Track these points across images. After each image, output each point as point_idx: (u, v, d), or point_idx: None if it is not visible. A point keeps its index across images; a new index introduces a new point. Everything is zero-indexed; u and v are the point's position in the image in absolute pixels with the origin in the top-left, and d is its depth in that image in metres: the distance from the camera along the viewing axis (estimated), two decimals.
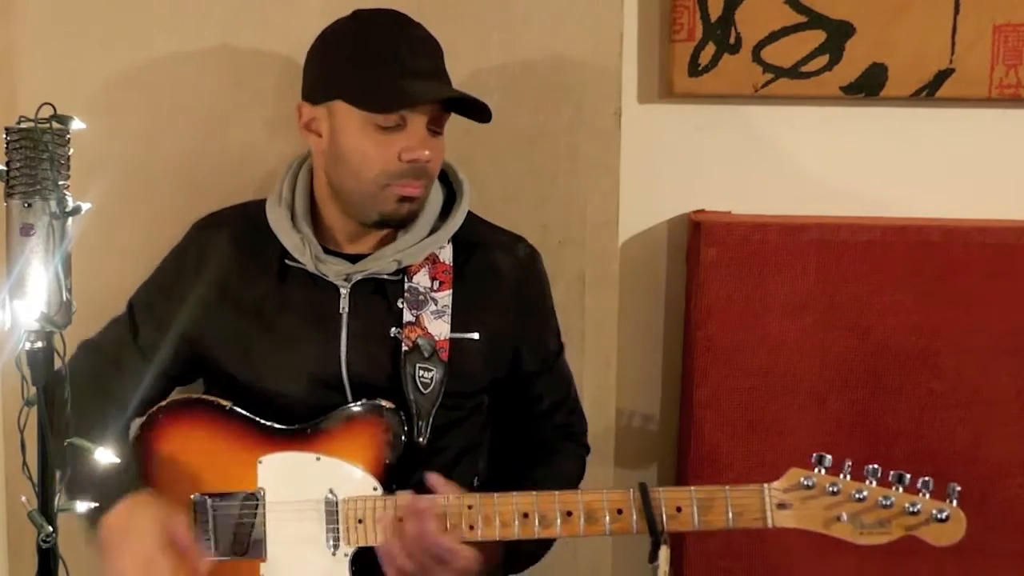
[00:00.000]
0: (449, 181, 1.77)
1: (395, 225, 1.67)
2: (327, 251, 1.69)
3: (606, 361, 2.09)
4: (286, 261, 1.69)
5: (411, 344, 1.66)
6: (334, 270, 1.67)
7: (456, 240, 1.73)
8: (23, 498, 1.43)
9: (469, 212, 1.75)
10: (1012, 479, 2.07)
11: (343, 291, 1.67)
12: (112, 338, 1.74)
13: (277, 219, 1.70)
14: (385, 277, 1.68)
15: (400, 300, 1.68)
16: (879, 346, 2.05)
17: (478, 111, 1.64)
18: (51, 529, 1.37)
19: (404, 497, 1.57)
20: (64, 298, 1.34)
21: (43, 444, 1.37)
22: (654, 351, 2.21)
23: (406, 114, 1.59)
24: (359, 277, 1.67)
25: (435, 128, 1.63)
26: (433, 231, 1.70)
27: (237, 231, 1.74)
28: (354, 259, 1.69)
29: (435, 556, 1.54)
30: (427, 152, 1.60)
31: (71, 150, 1.35)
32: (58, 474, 1.35)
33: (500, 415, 1.81)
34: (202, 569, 1.58)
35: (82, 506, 1.45)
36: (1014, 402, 2.06)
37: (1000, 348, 2.05)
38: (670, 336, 2.20)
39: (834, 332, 2.05)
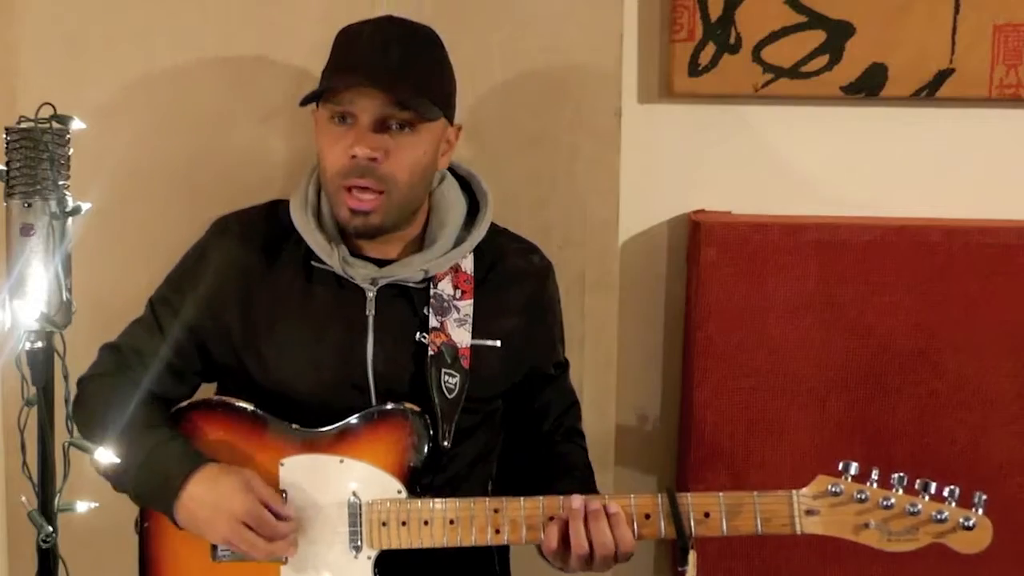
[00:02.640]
0: (472, 190, 1.77)
1: (355, 235, 1.66)
2: (352, 254, 1.69)
3: (606, 361, 2.09)
4: (312, 262, 1.69)
5: (436, 349, 1.66)
6: (361, 273, 1.67)
7: (476, 249, 1.73)
8: (23, 498, 1.43)
9: None
10: (1012, 479, 2.07)
11: (369, 294, 1.67)
12: (136, 338, 1.73)
13: (303, 220, 1.69)
14: (410, 284, 1.69)
15: (426, 307, 1.69)
16: (879, 346, 2.05)
17: (421, 108, 1.60)
18: (51, 529, 1.37)
19: (578, 499, 1.55)
20: (64, 298, 1.34)
21: (43, 444, 1.38)
22: (654, 351, 2.21)
23: (352, 110, 1.59)
24: (385, 282, 1.67)
25: (391, 125, 1.59)
26: (458, 242, 1.71)
27: (260, 230, 1.73)
28: (378, 263, 1.69)
29: (610, 549, 1.54)
30: (365, 148, 1.58)
31: (71, 150, 1.35)
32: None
33: (509, 422, 1.82)
34: (293, 519, 1.59)
35: (82, 506, 1.45)
36: (1014, 402, 2.06)
37: (1000, 348, 2.05)
38: (670, 336, 2.20)
39: (834, 332, 2.05)
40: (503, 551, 1.80)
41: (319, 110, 1.65)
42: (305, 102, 1.63)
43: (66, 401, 1.40)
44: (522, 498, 1.57)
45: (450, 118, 1.69)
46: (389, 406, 1.64)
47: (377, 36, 1.62)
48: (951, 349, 2.05)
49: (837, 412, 2.07)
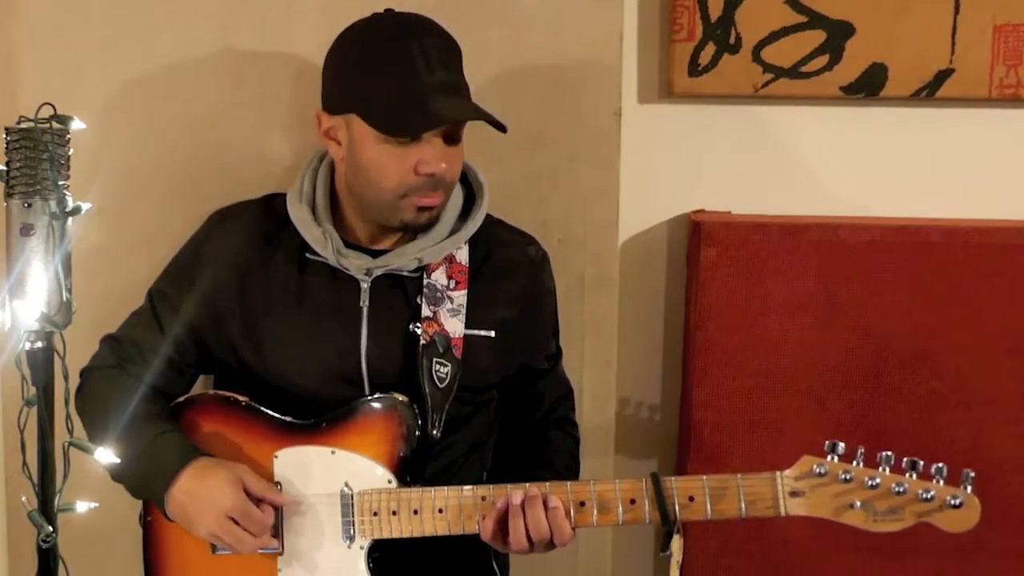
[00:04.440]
0: (469, 181, 1.78)
1: (417, 230, 1.68)
2: (348, 245, 1.70)
3: (606, 361, 2.09)
4: (306, 254, 1.70)
5: (429, 339, 1.67)
6: (355, 264, 1.68)
7: (472, 240, 1.74)
8: (23, 498, 1.43)
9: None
10: (1012, 478, 2.06)
11: (364, 285, 1.68)
12: (135, 331, 1.74)
13: (298, 214, 1.70)
14: (404, 274, 1.70)
15: (419, 296, 1.69)
16: (879, 346, 2.05)
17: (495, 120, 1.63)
18: (51, 529, 1.37)
19: (517, 495, 1.56)
20: (64, 298, 1.34)
21: (43, 444, 1.38)
22: (654, 351, 2.21)
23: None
24: (379, 272, 1.68)
25: (453, 137, 1.63)
26: (453, 231, 1.72)
27: (256, 222, 1.75)
28: (374, 254, 1.70)
29: (545, 536, 1.56)
30: (443, 165, 1.60)
31: (71, 150, 1.35)
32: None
33: (502, 410, 1.83)
34: (283, 507, 1.61)
35: (82, 506, 1.45)
36: (1014, 402, 2.06)
37: (1000, 348, 2.05)
38: (670, 336, 2.20)
39: (834, 332, 2.05)
40: None
41: (354, 122, 1.61)
42: (398, 130, 1.58)
43: (66, 401, 1.40)
44: (509, 485, 1.58)
45: None
46: (378, 396, 1.66)
47: (430, 51, 1.58)
48: (951, 349, 2.05)
49: (837, 412, 2.07)
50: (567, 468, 1.78)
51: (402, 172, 1.60)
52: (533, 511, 1.54)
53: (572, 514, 1.56)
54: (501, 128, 1.62)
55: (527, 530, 1.55)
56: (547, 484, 1.57)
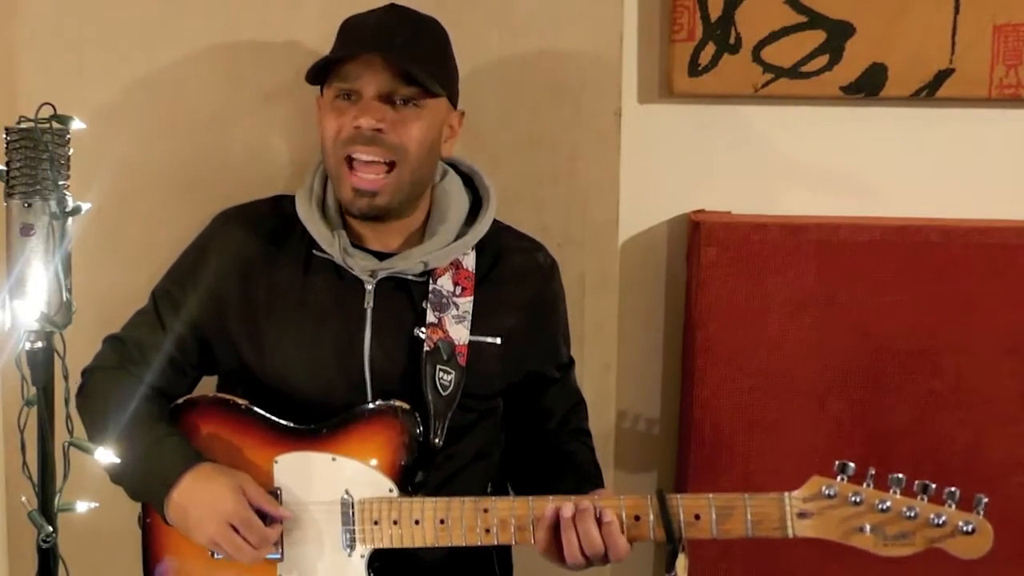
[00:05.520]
0: (475, 186, 1.78)
1: (358, 217, 1.67)
2: (353, 245, 1.69)
3: (606, 362, 2.09)
4: (313, 251, 1.70)
5: (433, 345, 1.66)
6: (361, 264, 1.67)
7: (479, 246, 1.73)
8: (23, 498, 1.43)
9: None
10: (1013, 479, 2.07)
11: (368, 287, 1.67)
12: (138, 331, 1.73)
13: (307, 211, 1.70)
14: (410, 278, 1.69)
15: (424, 301, 1.68)
16: (879, 346, 2.05)
17: (425, 81, 1.62)
18: (51, 529, 1.37)
19: (568, 507, 1.53)
20: (64, 298, 1.34)
21: (43, 444, 1.38)
22: (654, 352, 2.21)
23: (356, 86, 1.61)
24: (384, 274, 1.68)
25: (396, 99, 1.61)
26: (459, 236, 1.71)
27: (262, 221, 1.74)
28: (379, 256, 1.69)
29: (599, 550, 1.53)
30: (371, 119, 1.59)
31: (71, 150, 1.35)
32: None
33: (511, 424, 1.82)
34: (284, 518, 1.60)
35: (82, 506, 1.45)
36: (1014, 402, 2.06)
37: (1000, 348, 2.05)
38: (670, 337, 2.20)
39: (834, 332, 2.05)
40: (503, 550, 1.80)
41: (324, 93, 1.67)
42: (311, 76, 1.64)
43: (66, 401, 1.40)
44: (510, 498, 1.57)
45: (453, 102, 1.71)
46: (379, 404, 1.64)
47: (383, 20, 1.65)
48: (951, 349, 2.05)
49: (837, 412, 2.07)
50: (590, 478, 1.75)
51: (338, 126, 1.62)
52: (583, 523, 1.51)
53: (625, 527, 1.52)
54: (429, 89, 1.62)
55: (579, 544, 1.51)
56: (550, 497, 1.55)
